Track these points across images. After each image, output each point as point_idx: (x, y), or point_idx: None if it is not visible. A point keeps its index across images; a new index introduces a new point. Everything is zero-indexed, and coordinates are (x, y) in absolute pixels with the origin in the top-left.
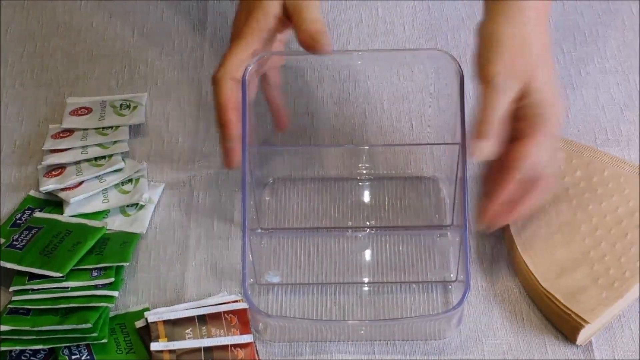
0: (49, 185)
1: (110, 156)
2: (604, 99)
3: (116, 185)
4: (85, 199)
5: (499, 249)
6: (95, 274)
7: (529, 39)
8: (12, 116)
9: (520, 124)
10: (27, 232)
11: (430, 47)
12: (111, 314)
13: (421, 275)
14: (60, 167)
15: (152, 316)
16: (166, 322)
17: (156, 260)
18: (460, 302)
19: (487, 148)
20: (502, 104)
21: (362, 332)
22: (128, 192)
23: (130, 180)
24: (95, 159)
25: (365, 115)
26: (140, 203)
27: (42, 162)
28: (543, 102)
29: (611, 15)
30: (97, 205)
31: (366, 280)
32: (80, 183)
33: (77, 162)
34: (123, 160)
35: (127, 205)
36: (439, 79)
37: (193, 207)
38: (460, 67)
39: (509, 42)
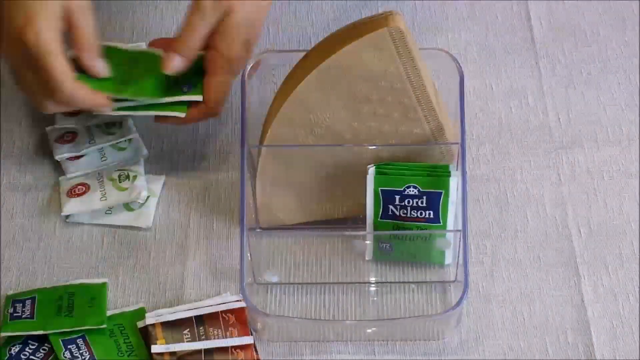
0: (63, 153)
1: (121, 123)
2: (605, 98)
3: (113, 181)
4: (84, 197)
5: (499, 248)
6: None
7: None
8: (10, 116)
9: (212, 51)
10: None
11: (431, 47)
12: (108, 314)
13: (420, 275)
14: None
15: (150, 318)
16: (164, 324)
17: (156, 260)
18: (459, 303)
19: (177, 63)
20: (202, 28)
21: (361, 332)
22: (125, 189)
23: (127, 177)
24: (106, 124)
25: None
26: (139, 202)
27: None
28: (232, 41)
29: (612, 15)
30: (95, 204)
31: (365, 280)
32: (85, 186)
33: (88, 127)
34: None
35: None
36: (439, 78)
37: (193, 207)
38: (460, 66)
39: None
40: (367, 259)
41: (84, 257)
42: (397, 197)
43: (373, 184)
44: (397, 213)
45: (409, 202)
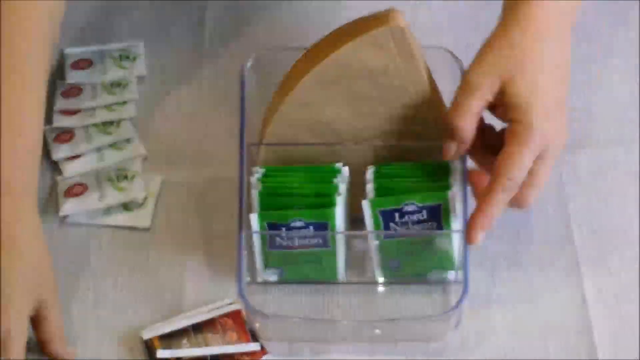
0: (60, 153)
1: (119, 123)
2: (607, 98)
3: (111, 181)
4: (82, 197)
5: (500, 249)
6: None
7: (517, 40)
8: None
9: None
10: None
11: (433, 45)
12: None
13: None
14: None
15: (147, 333)
16: (162, 337)
17: (155, 261)
18: (459, 303)
19: (455, 149)
20: (475, 101)
21: (361, 332)
22: (124, 189)
23: (125, 177)
24: (104, 124)
25: None
26: (137, 202)
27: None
28: (519, 109)
29: (615, 15)
30: (93, 204)
31: (365, 280)
32: (83, 186)
33: (86, 127)
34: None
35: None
36: (440, 77)
37: (192, 206)
38: (462, 65)
39: (494, 42)
40: (377, 281)
41: (82, 257)
42: (397, 214)
43: (370, 209)
44: (400, 229)
45: (409, 217)
